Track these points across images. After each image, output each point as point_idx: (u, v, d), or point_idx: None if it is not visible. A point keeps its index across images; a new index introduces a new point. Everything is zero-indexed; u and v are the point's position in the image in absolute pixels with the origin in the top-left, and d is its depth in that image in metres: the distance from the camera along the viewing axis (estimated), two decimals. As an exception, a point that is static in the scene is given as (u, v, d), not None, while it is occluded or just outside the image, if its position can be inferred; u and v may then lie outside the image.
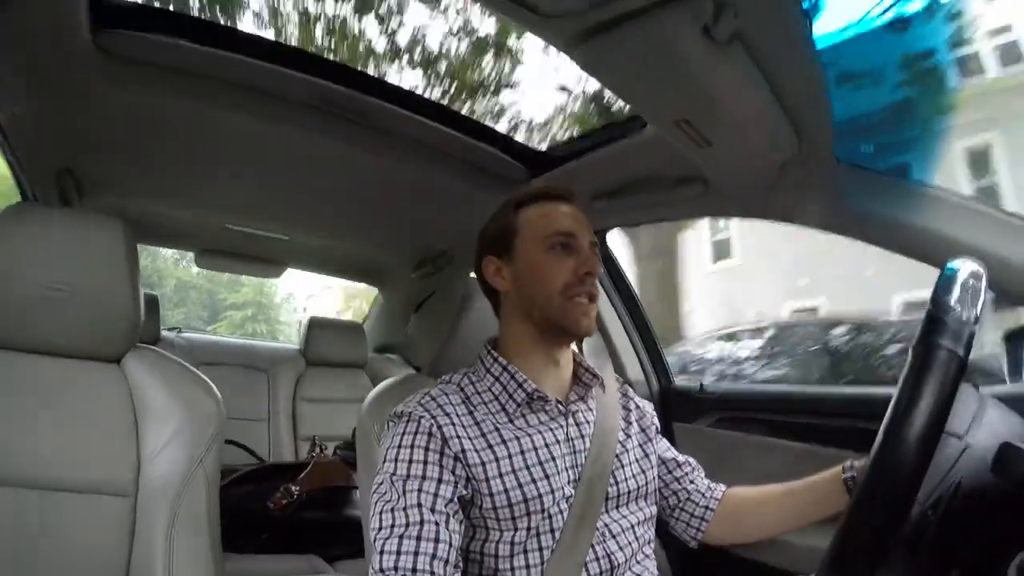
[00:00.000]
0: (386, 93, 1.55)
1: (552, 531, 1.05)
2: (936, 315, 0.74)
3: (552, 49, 1.10)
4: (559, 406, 1.13)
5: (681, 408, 1.92)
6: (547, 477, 1.05)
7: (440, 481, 0.98)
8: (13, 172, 1.85)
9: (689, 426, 1.87)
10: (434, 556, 0.90)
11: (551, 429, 1.11)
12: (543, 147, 1.85)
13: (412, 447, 1.01)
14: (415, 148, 1.73)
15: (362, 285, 3.69)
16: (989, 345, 1.35)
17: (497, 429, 1.07)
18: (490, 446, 1.05)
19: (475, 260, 1.22)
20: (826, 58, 1.06)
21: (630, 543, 1.12)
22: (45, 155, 1.79)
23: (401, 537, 0.91)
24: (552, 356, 1.16)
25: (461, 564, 0.96)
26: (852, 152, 1.34)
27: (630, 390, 1.34)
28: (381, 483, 1.00)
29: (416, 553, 0.90)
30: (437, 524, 0.93)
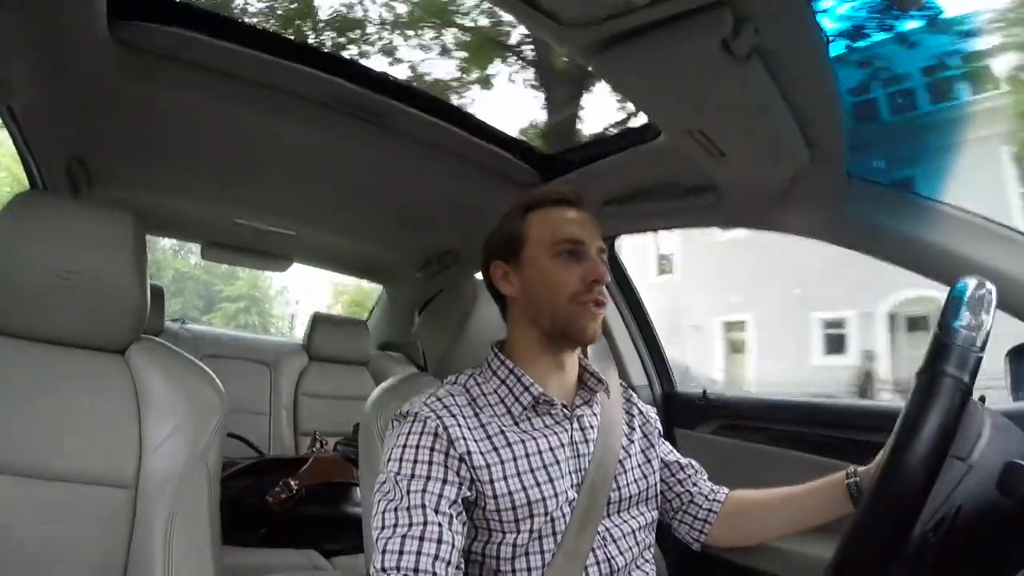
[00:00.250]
0: (398, 93, 1.55)
1: (554, 534, 1.05)
2: (943, 341, 0.74)
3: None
4: (564, 410, 1.14)
5: (683, 414, 1.93)
6: (551, 480, 1.06)
7: (445, 482, 0.98)
8: (24, 160, 1.86)
9: (691, 432, 1.87)
10: (436, 557, 0.90)
11: (555, 433, 1.12)
12: (555, 151, 1.86)
13: (417, 447, 1.02)
14: (425, 148, 1.73)
15: (351, 282, 3.71)
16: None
17: (502, 432, 1.08)
18: (495, 448, 1.05)
19: (482, 264, 1.23)
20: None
21: (631, 548, 1.13)
22: (57, 144, 1.79)
23: (404, 537, 0.91)
24: (558, 361, 1.16)
25: (463, 565, 0.96)
26: (863, 166, 1.35)
27: (634, 395, 1.35)
28: (384, 482, 1.01)
29: (418, 553, 0.90)
30: (440, 525, 0.93)
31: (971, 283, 0.80)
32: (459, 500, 0.99)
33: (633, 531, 1.15)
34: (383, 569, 0.89)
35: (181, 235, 3.40)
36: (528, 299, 1.15)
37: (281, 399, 2.95)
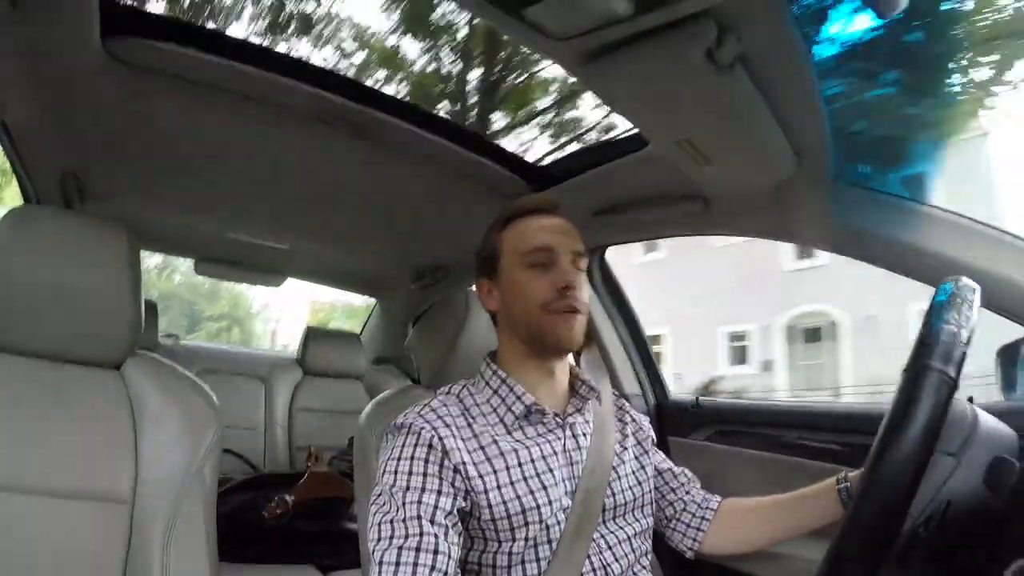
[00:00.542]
0: (387, 106, 1.56)
1: (549, 542, 1.05)
2: (927, 339, 0.75)
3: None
4: (556, 419, 1.14)
5: (676, 422, 1.93)
6: (544, 488, 1.06)
7: (440, 493, 0.99)
8: (17, 174, 1.86)
9: (684, 440, 1.88)
10: (433, 568, 0.90)
11: (548, 441, 1.12)
12: (545, 162, 1.87)
13: (412, 459, 1.02)
14: (415, 161, 1.73)
15: (327, 300, 3.72)
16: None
17: (495, 442, 1.08)
18: (488, 459, 1.06)
19: (475, 281, 1.25)
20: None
21: (626, 555, 1.13)
22: (51, 159, 1.79)
23: (400, 548, 0.91)
24: (547, 369, 1.17)
25: None
26: (849, 172, 1.36)
27: (626, 404, 1.35)
28: (380, 495, 1.01)
29: (415, 564, 0.90)
30: (436, 536, 0.93)
31: (955, 283, 0.81)
32: (454, 511, 0.99)
33: (629, 538, 1.15)
34: None
35: (174, 250, 3.39)
36: (507, 312, 1.17)
37: (276, 414, 2.93)
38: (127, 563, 1.12)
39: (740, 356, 16.60)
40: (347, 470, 2.20)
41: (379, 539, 0.94)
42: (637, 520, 1.19)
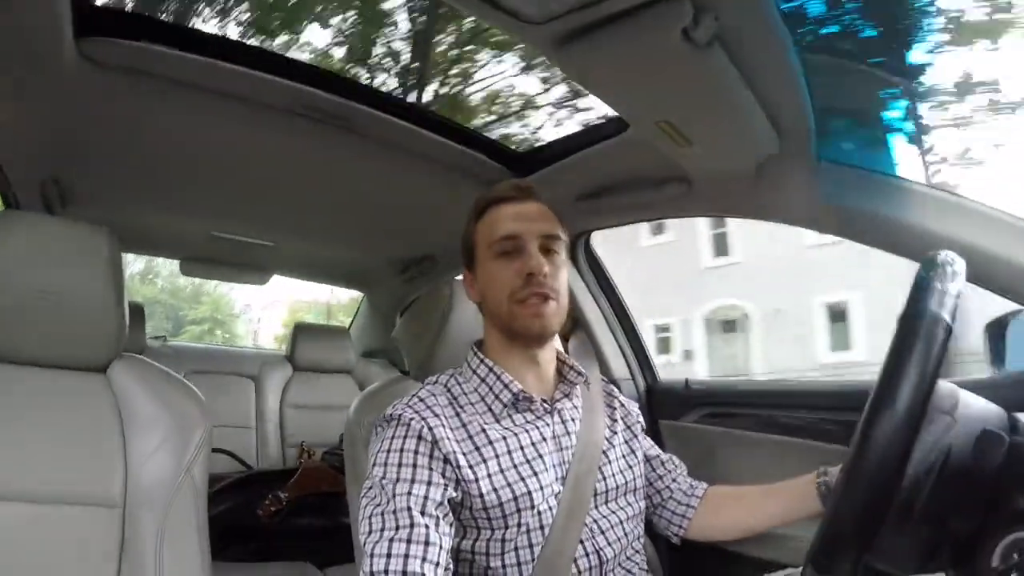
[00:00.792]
0: (368, 98, 1.55)
1: (541, 527, 1.05)
2: (922, 286, 0.75)
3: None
4: (544, 405, 1.14)
5: (667, 405, 1.93)
6: (535, 475, 1.06)
7: (430, 484, 0.99)
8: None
9: (675, 423, 1.88)
10: (424, 559, 0.90)
11: (537, 427, 1.12)
12: (526, 148, 1.86)
13: (402, 450, 1.02)
14: (398, 152, 1.72)
15: (307, 300, 3.70)
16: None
17: (484, 430, 1.08)
18: (478, 448, 1.06)
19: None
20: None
21: (619, 539, 1.13)
22: (29, 163, 1.77)
23: (391, 540, 0.91)
24: (530, 356, 1.17)
25: (451, 566, 0.96)
26: (832, 149, 1.36)
27: (615, 389, 1.36)
28: (371, 487, 1.01)
29: (407, 556, 0.90)
30: (427, 527, 0.93)
31: (939, 257, 0.80)
32: (445, 502, 0.99)
33: (621, 522, 1.15)
34: (371, 573, 0.89)
35: (158, 251, 3.35)
36: (484, 303, 1.18)
37: (267, 412, 2.93)
38: (120, 565, 1.11)
39: (665, 346, 17.57)
40: (340, 465, 2.19)
41: (370, 531, 0.94)
42: (629, 504, 1.19)
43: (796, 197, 1.41)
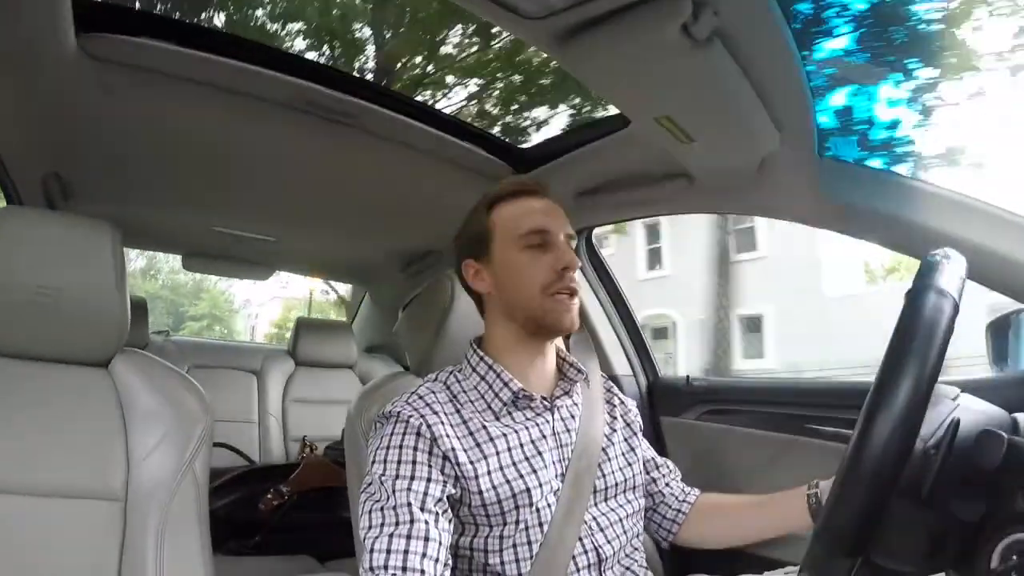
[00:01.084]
0: (370, 94, 1.55)
1: (540, 524, 1.05)
2: (928, 265, 0.74)
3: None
4: (544, 402, 1.14)
5: (668, 402, 1.93)
6: (535, 471, 1.06)
7: (429, 480, 0.99)
8: (-2, 176, 1.84)
9: (676, 420, 1.87)
10: (424, 555, 0.90)
11: (537, 424, 1.12)
12: (527, 145, 1.86)
13: (401, 447, 1.02)
14: (400, 148, 1.72)
15: (300, 297, 3.71)
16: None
17: (484, 427, 1.08)
18: (478, 444, 1.06)
19: (455, 263, 1.23)
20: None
21: (618, 536, 1.13)
22: (31, 159, 1.77)
23: (391, 536, 0.91)
24: (536, 353, 1.17)
25: (451, 562, 0.96)
26: (834, 146, 1.35)
27: (614, 386, 1.35)
28: (370, 483, 1.01)
29: (406, 552, 0.90)
30: (427, 523, 0.93)
31: (940, 254, 0.80)
32: (444, 498, 0.99)
33: (620, 519, 1.15)
34: (371, 568, 0.89)
35: (160, 246, 3.37)
36: (502, 294, 1.15)
37: (269, 407, 2.94)
38: (122, 559, 1.11)
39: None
40: (342, 460, 2.19)
41: (370, 527, 0.94)
42: (628, 502, 1.19)
43: (798, 194, 1.41)
